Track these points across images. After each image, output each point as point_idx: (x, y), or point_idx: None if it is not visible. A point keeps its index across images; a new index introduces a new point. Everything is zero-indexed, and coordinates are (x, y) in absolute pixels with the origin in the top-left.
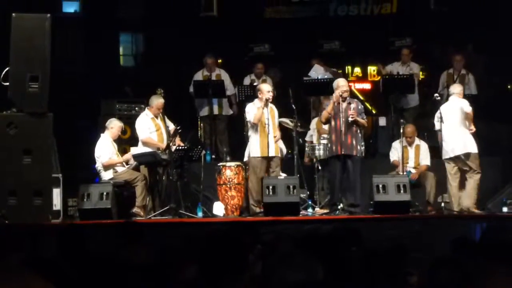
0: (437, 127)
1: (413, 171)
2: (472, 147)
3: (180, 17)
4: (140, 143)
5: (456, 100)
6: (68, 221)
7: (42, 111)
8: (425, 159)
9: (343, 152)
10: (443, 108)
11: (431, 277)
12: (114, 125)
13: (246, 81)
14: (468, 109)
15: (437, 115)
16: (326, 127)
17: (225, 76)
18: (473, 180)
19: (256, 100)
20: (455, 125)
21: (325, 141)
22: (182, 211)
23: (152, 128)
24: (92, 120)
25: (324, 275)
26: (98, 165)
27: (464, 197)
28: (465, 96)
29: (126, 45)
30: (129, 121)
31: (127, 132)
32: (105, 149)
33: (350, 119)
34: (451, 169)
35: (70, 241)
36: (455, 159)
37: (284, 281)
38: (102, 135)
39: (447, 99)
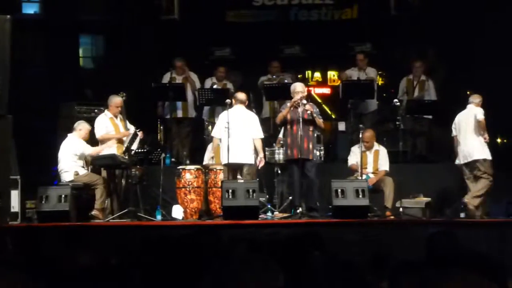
0: (452, 133)
1: (371, 176)
2: (481, 154)
3: (141, 19)
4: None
5: (472, 108)
6: (26, 223)
7: (2, 113)
8: (384, 165)
9: (300, 156)
10: (459, 116)
11: (391, 283)
12: (83, 127)
13: (207, 84)
14: (480, 117)
15: (454, 121)
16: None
17: (195, 79)
18: (481, 184)
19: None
20: (469, 132)
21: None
22: (141, 214)
23: (110, 127)
24: (51, 122)
25: (285, 281)
26: (61, 166)
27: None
28: (425, 102)
29: (86, 47)
30: (89, 124)
31: None
32: (79, 146)
33: (307, 112)
34: (467, 174)
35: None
36: (468, 165)
37: None
38: (69, 135)
39: (407, 105)
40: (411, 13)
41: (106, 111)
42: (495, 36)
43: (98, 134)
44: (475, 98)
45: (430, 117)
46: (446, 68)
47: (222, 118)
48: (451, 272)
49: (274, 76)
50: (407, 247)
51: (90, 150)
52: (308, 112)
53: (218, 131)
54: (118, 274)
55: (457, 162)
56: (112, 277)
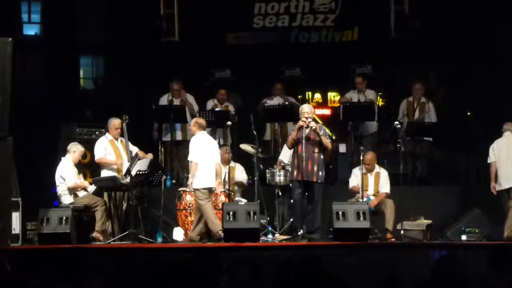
0: (490, 159)
1: (372, 198)
2: None
3: (142, 41)
4: (103, 170)
5: (510, 135)
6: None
7: (3, 135)
8: (385, 187)
9: (303, 179)
10: (498, 142)
11: None
12: (77, 149)
13: (209, 106)
14: None
15: (491, 147)
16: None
17: (192, 101)
18: None
19: None
20: (510, 159)
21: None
22: (141, 236)
23: (109, 149)
24: (52, 143)
25: None
26: (59, 189)
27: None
28: (425, 124)
29: (86, 68)
30: (89, 145)
31: (87, 156)
32: (69, 173)
33: (313, 132)
34: (507, 201)
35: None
36: (509, 191)
37: None
38: (63, 158)
39: (408, 127)
40: (411, 36)
41: (107, 133)
42: (494, 59)
43: (96, 157)
44: (510, 126)
45: (431, 139)
46: (445, 90)
47: (198, 143)
48: None
49: (274, 98)
50: (408, 269)
51: (71, 183)
52: (313, 127)
53: (197, 155)
54: None
55: (499, 187)
56: None
